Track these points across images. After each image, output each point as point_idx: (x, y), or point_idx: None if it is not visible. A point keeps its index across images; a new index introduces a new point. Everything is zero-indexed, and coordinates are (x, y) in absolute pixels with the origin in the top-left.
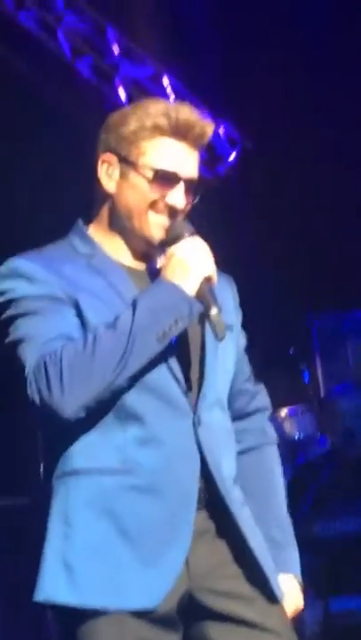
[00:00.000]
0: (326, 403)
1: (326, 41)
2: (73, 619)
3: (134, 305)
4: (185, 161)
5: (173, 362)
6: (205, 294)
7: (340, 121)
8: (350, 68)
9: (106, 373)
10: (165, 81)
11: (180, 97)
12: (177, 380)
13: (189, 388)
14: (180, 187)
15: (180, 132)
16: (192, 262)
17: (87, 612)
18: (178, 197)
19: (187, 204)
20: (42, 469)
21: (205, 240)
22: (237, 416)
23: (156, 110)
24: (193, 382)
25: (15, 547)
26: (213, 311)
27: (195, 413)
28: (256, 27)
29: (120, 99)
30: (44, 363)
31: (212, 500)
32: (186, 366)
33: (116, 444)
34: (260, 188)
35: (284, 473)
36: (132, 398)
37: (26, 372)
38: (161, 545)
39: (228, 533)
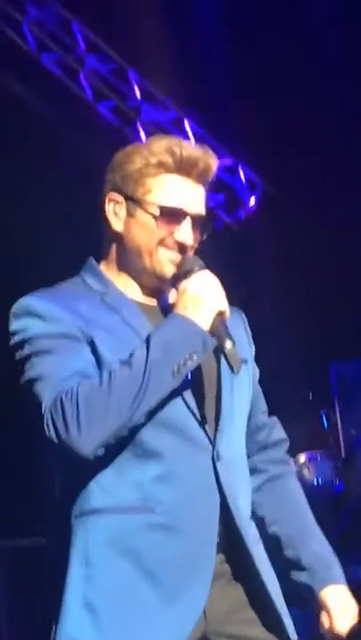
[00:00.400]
0: (350, 456)
1: (349, 83)
2: None
3: (148, 341)
4: (191, 197)
5: (190, 398)
6: (219, 328)
7: None
8: None
9: (122, 410)
10: (186, 125)
11: (201, 141)
12: (194, 415)
13: (207, 424)
14: (188, 222)
15: (184, 168)
16: (204, 297)
17: None
18: (186, 233)
19: (195, 240)
20: (58, 510)
21: (225, 284)
22: (258, 449)
23: (160, 147)
24: (210, 417)
25: (31, 587)
26: (228, 345)
27: (213, 448)
28: (277, 72)
29: (141, 141)
30: (61, 401)
31: (229, 539)
32: (202, 402)
33: (135, 482)
34: (281, 233)
35: None
36: (149, 435)
37: (42, 410)
38: (183, 582)
39: (244, 574)
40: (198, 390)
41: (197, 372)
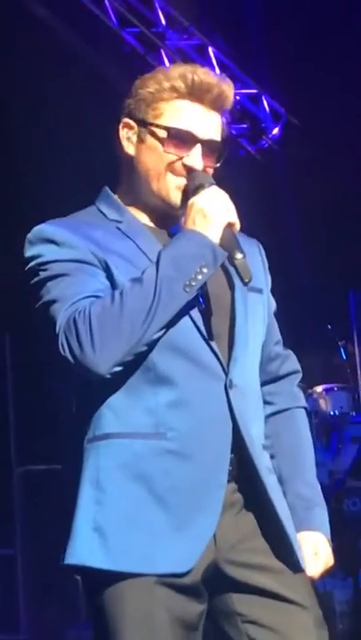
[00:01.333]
0: None
1: None
2: (101, 585)
3: (158, 259)
4: (202, 122)
5: (203, 326)
6: (229, 240)
7: None
8: None
9: (135, 326)
10: (210, 52)
11: (225, 69)
12: (208, 343)
13: (220, 351)
14: (198, 148)
15: (196, 93)
16: (213, 210)
17: (117, 579)
18: (195, 158)
19: (207, 167)
20: (72, 434)
21: (247, 215)
22: (269, 379)
23: (175, 73)
24: (223, 345)
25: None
26: (238, 256)
27: (227, 376)
28: (304, 1)
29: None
30: (74, 320)
31: (241, 467)
32: (216, 330)
33: (148, 408)
34: (304, 164)
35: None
36: (163, 361)
37: (56, 331)
38: (193, 508)
39: (256, 503)
40: (212, 319)
41: (211, 300)
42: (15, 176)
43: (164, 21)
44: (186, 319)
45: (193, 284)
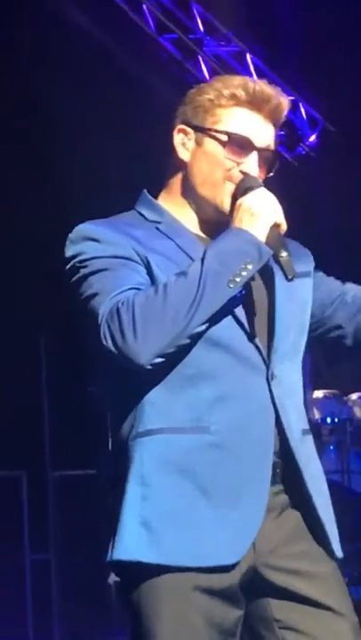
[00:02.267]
0: None
1: None
2: (142, 583)
3: (204, 253)
4: (260, 130)
5: (243, 317)
6: (275, 239)
7: None
8: None
9: (178, 318)
10: (248, 59)
11: (263, 76)
12: (248, 335)
13: (261, 343)
14: (254, 155)
15: (256, 102)
16: (260, 209)
17: (160, 574)
18: (252, 165)
19: (260, 176)
20: (113, 432)
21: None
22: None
23: (234, 82)
24: (263, 337)
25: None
26: (283, 254)
27: (268, 368)
28: (343, 8)
29: (203, 74)
30: (117, 310)
31: (285, 465)
32: (256, 321)
33: (190, 403)
34: (341, 172)
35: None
36: (203, 355)
37: (98, 321)
38: (239, 502)
39: (298, 499)
40: (252, 310)
41: (251, 291)
42: (57, 182)
43: (202, 28)
44: (227, 312)
45: (237, 279)
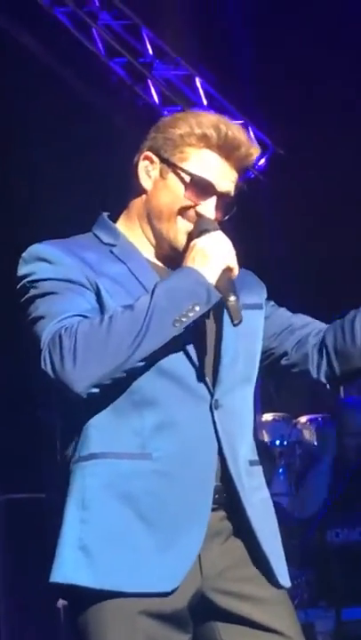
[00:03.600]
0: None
1: None
2: (85, 608)
3: (154, 288)
4: (224, 177)
5: (190, 348)
6: (225, 283)
7: None
8: None
9: (119, 350)
10: (198, 83)
11: (211, 99)
12: (193, 364)
13: (206, 373)
14: (213, 200)
15: (225, 148)
16: (213, 252)
17: (101, 600)
18: (209, 209)
19: (216, 219)
20: (58, 456)
21: (233, 244)
22: (315, 335)
23: (208, 121)
24: (209, 366)
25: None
26: (232, 299)
27: (212, 397)
28: (291, 34)
29: (153, 98)
30: (60, 335)
31: (228, 491)
32: (202, 351)
33: (134, 429)
34: (290, 195)
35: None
36: (148, 383)
37: (40, 345)
38: (178, 528)
39: (241, 528)
40: (199, 341)
41: (199, 323)
42: (11, 205)
43: (151, 52)
44: (172, 341)
45: (183, 319)
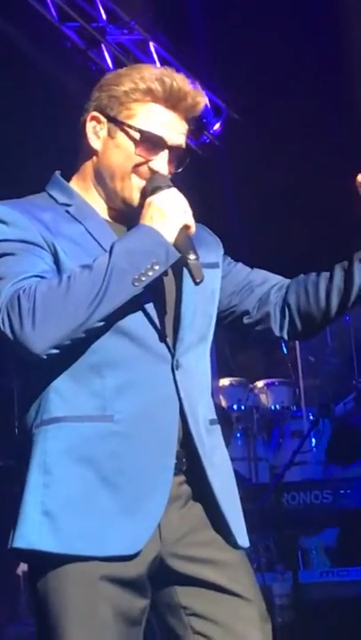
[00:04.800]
0: None
1: (318, 11)
2: (47, 573)
3: (111, 248)
4: (173, 129)
5: (150, 308)
6: (184, 241)
7: (327, 93)
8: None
9: (78, 311)
10: (152, 47)
11: (166, 64)
12: (154, 325)
13: (167, 333)
14: (165, 154)
15: (171, 99)
16: (170, 210)
17: (63, 564)
18: (162, 164)
19: (169, 172)
20: (18, 420)
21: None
22: (281, 298)
23: (151, 75)
24: (169, 327)
25: None
26: (192, 257)
27: (173, 358)
28: None
29: (107, 63)
30: (18, 297)
31: (188, 455)
32: (162, 312)
33: (95, 392)
34: (244, 159)
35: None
36: (108, 345)
37: None
38: (141, 490)
39: (201, 491)
40: (158, 300)
41: (158, 283)
42: None
43: (104, 16)
44: (131, 302)
45: (143, 279)
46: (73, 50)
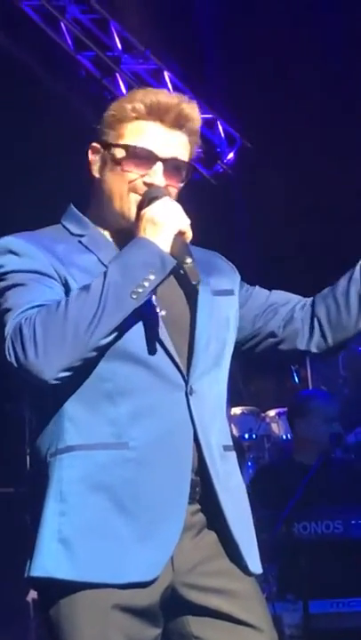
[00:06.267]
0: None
1: (331, 41)
2: (61, 601)
3: (107, 267)
4: (163, 141)
5: (163, 334)
6: (179, 247)
7: (340, 123)
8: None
9: (79, 331)
10: (166, 77)
11: (180, 93)
12: (168, 352)
13: (180, 359)
14: (159, 166)
15: (155, 113)
16: (163, 219)
17: (78, 591)
18: (156, 177)
19: (170, 186)
20: (32, 449)
21: (202, 240)
22: (300, 308)
23: (137, 95)
24: (183, 353)
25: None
26: (188, 261)
27: (187, 384)
28: (260, 28)
29: (121, 91)
30: (20, 326)
31: (203, 482)
32: (176, 338)
33: (109, 419)
34: (258, 188)
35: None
36: (122, 372)
37: (4, 337)
38: (157, 516)
39: (215, 519)
40: (172, 327)
41: (170, 308)
42: None
43: (120, 45)
44: (143, 328)
45: (140, 290)
46: (88, 78)
